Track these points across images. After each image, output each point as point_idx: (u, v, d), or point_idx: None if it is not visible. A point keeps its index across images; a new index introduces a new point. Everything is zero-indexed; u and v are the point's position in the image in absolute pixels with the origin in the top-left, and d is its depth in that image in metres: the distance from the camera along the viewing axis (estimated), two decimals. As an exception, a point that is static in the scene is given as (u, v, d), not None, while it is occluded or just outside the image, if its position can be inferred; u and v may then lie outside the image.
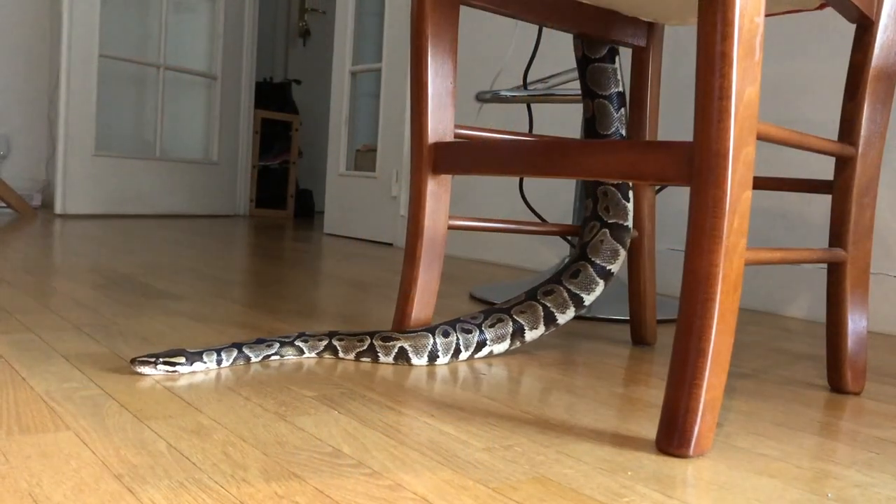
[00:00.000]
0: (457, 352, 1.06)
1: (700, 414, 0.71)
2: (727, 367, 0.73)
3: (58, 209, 3.44)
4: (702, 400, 0.71)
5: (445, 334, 1.05)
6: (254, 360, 0.99)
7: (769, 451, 0.76)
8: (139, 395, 0.81)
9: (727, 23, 0.70)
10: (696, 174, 0.72)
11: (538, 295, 1.12)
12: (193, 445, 0.67)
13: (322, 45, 4.95)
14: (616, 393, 0.96)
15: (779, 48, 1.77)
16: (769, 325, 1.59)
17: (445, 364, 1.05)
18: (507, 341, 1.09)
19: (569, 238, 1.66)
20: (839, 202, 1.00)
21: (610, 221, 1.13)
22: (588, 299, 1.12)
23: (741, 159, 0.71)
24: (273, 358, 1.01)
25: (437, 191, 1.07)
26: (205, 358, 0.94)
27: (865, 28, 0.98)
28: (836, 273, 1.00)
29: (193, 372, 0.92)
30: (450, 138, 1.07)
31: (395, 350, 1.03)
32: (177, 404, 0.79)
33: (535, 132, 1.96)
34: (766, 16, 0.76)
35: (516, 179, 2.25)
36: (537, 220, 1.86)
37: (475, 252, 2.59)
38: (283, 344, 1.02)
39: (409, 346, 1.03)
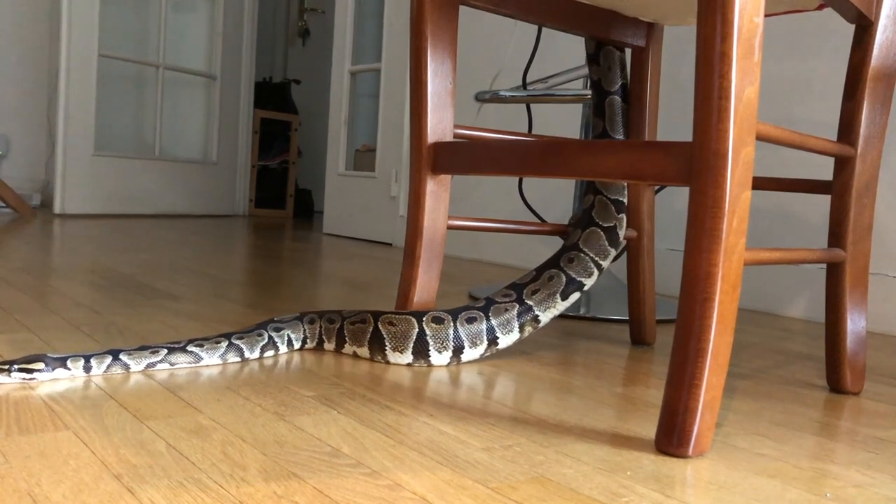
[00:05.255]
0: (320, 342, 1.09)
1: (699, 414, 0.71)
2: (726, 367, 0.73)
3: (57, 209, 3.44)
4: (701, 400, 0.71)
5: (311, 321, 1.09)
6: (134, 368, 0.91)
7: (768, 451, 0.76)
8: (138, 394, 0.81)
9: (727, 23, 0.70)
10: (695, 174, 0.73)
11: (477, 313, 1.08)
12: (192, 445, 0.67)
13: (321, 45, 4.94)
14: (615, 393, 0.96)
15: (778, 48, 1.77)
16: (768, 326, 1.59)
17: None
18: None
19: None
20: (838, 202, 1.00)
21: (526, 301, 1.08)
22: (504, 341, 1.07)
23: (740, 159, 0.71)
24: (160, 366, 0.93)
25: (437, 191, 1.07)
26: (69, 364, 0.86)
27: (864, 28, 0.98)
28: (835, 273, 1.01)
29: (56, 379, 0.85)
30: (449, 138, 1.07)
31: (286, 339, 1.06)
32: (176, 404, 0.79)
33: (534, 132, 1.96)
34: (766, 16, 0.76)
35: (515, 179, 2.25)
36: (537, 220, 1.86)
37: (474, 252, 2.59)
38: (171, 350, 0.94)
39: (293, 335, 1.07)
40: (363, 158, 3.37)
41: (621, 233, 1.14)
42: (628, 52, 1.23)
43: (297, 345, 1.07)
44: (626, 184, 1.16)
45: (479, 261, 2.55)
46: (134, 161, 3.75)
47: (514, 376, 1.01)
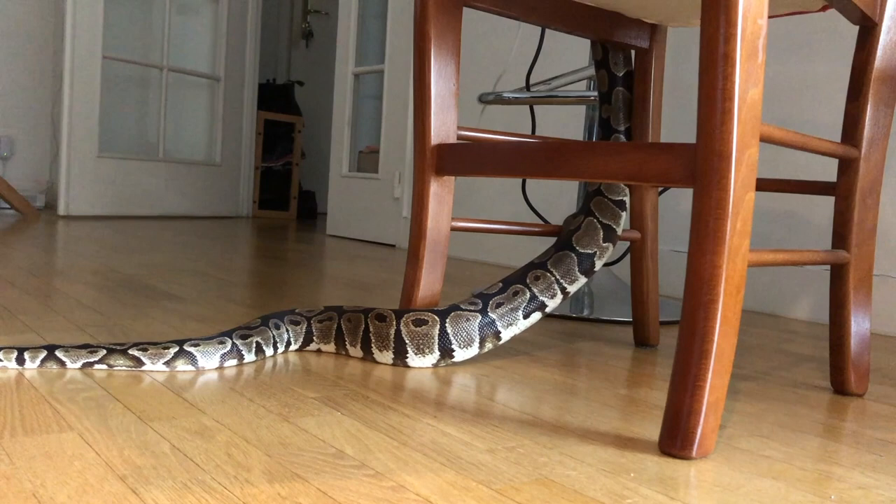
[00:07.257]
0: (273, 348, 1.03)
1: (703, 415, 0.71)
2: (730, 369, 0.73)
3: (61, 210, 3.45)
4: (705, 401, 0.71)
5: (276, 326, 1.04)
6: (70, 366, 0.90)
7: (772, 453, 0.76)
8: (143, 396, 0.82)
9: (730, 24, 0.70)
10: (699, 176, 0.72)
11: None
12: (197, 446, 0.67)
13: (325, 47, 4.95)
14: (619, 394, 0.96)
15: (782, 50, 1.77)
16: (772, 327, 1.58)
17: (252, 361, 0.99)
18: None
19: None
20: (842, 204, 1.00)
21: (490, 314, 1.04)
22: (460, 354, 1.03)
23: (744, 161, 0.71)
24: (98, 367, 0.91)
25: (440, 192, 1.07)
26: (1, 356, 0.88)
27: (868, 30, 0.98)
28: (839, 275, 1.00)
29: None
30: (453, 140, 1.07)
31: (254, 346, 1.00)
32: (180, 405, 0.79)
33: (537, 134, 1.96)
34: (770, 17, 0.76)
35: (519, 181, 2.25)
36: (540, 222, 1.86)
37: (478, 253, 2.59)
38: (111, 352, 0.92)
39: (262, 341, 1.01)
40: (367, 160, 3.37)
41: (599, 262, 1.10)
42: (632, 53, 1.23)
43: (268, 352, 1.02)
44: (623, 213, 1.14)
45: (482, 262, 2.55)
46: (138, 162, 3.76)
47: (517, 378, 1.01)
